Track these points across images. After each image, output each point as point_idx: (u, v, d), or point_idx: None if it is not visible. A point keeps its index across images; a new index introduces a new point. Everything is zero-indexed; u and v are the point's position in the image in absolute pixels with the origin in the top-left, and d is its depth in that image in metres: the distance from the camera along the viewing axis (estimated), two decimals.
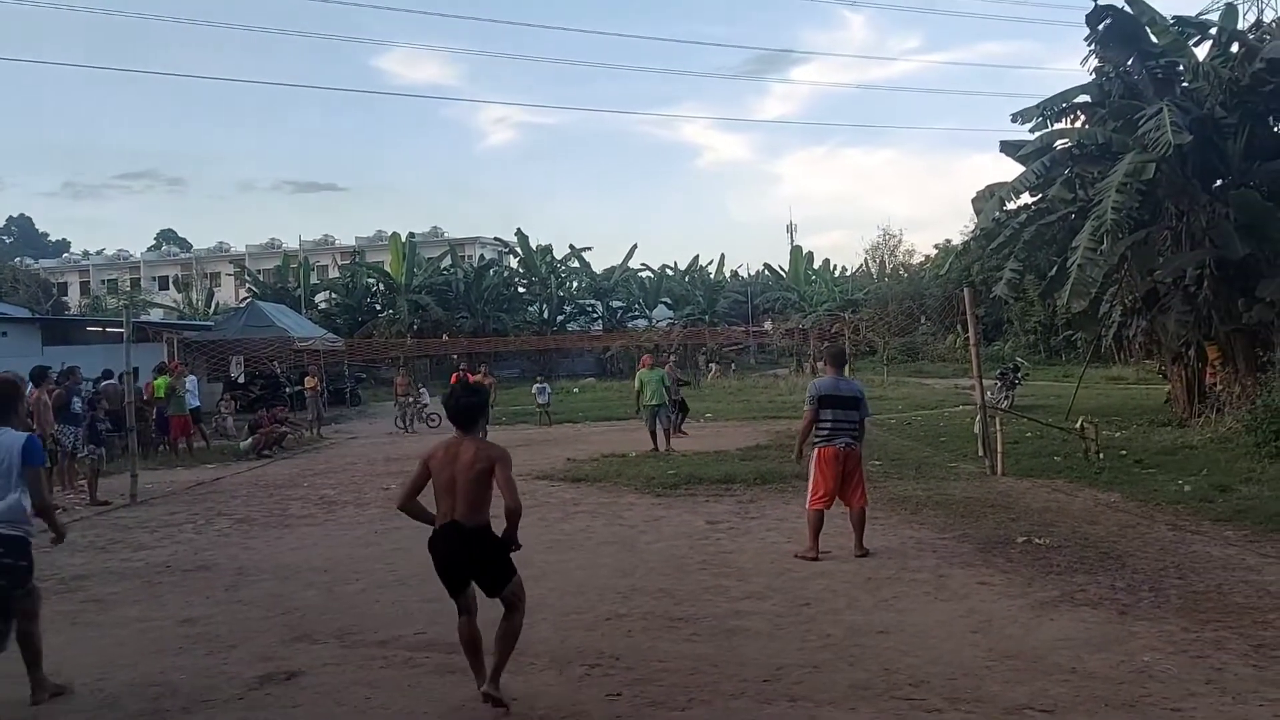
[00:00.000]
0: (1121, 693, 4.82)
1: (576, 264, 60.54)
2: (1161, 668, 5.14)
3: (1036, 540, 8.29)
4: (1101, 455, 12.71)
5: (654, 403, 16.58)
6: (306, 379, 25.30)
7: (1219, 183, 16.34)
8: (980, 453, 13.26)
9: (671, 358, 22.87)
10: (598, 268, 60.90)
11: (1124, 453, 13.34)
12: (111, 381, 16.35)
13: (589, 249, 60.16)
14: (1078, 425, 13.48)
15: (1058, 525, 8.98)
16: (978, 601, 6.54)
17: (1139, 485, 10.94)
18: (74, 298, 75.09)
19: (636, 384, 17.06)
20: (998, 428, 12.74)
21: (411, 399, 24.25)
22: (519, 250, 58.98)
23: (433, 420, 22.61)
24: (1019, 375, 23.69)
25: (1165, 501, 9.96)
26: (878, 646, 5.65)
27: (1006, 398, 21.48)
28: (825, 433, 8.08)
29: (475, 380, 18.61)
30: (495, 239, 64.26)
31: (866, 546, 8.06)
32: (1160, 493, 10.38)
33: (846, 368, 8.86)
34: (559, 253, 60.08)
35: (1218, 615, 6.04)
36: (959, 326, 36.62)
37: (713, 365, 46.21)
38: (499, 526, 4.96)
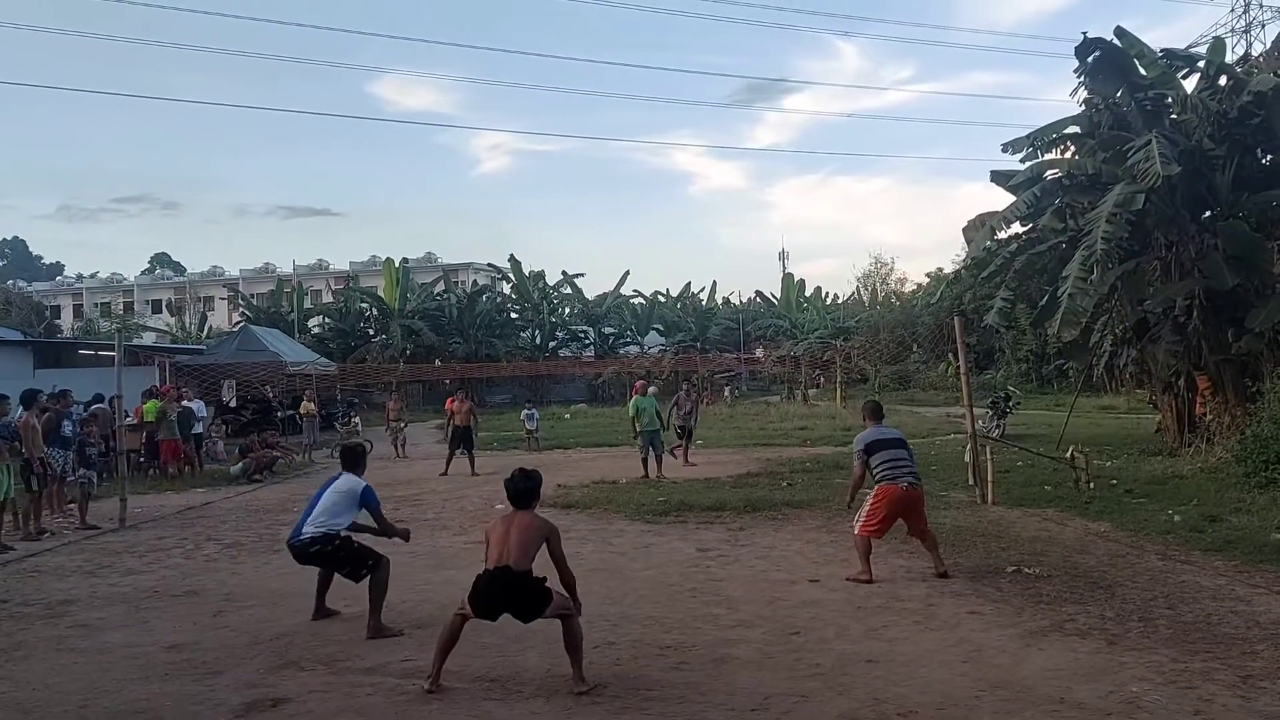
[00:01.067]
0: None
1: (569, 290, 60.66)
2: (1150, 698, 5.14)
3: (1026, 570, 8.30)
4: (1092, 485, 12.73)
5: (651, 429, 16.46)
6: (303, 404, 25.25)
7: (1208, 214, 16.48)
8: (971, 481, 13.26)
9: (684, 385, 22.64)
10: (590, 294, 61.06)
11: (1114, 482, 13.36)
12: (102, 405, 16.29)
13: (581, 275, 60.38)
14: (1068, 454, 13.51)
15: (1048, 555, 8.99)
16: (967, 631, 6.54)
17: (1129, 515, 10.95)
18: (67, 321, 75.10)
19: (632, 410, 16.88)
20: (988, 457, 12.75)
21: (403, 424, 24.19)
22: (512, 276, 59.12)
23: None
24: (1010, 404, 23.73)
25: (1155, 531, 9.97)
26: (867, 676, 5.64)
27: (998, 426, 21.52)
28: (887, 473, 8.32)
29: (454, 406, 19.30)
30: (488, 265, 64.51)
31: (943, 565, 8.28)
32: (1150, 523, 10.40)
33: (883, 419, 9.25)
34: (551, 279, 60.26)
35: (1206, 646, 6.05)
36: (950, 355, 36.72)
37: (725, 389, 46.57)
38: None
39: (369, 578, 7.09)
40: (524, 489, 5.90)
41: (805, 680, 5.61)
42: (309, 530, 7.18)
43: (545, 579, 5.57)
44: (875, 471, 8.38)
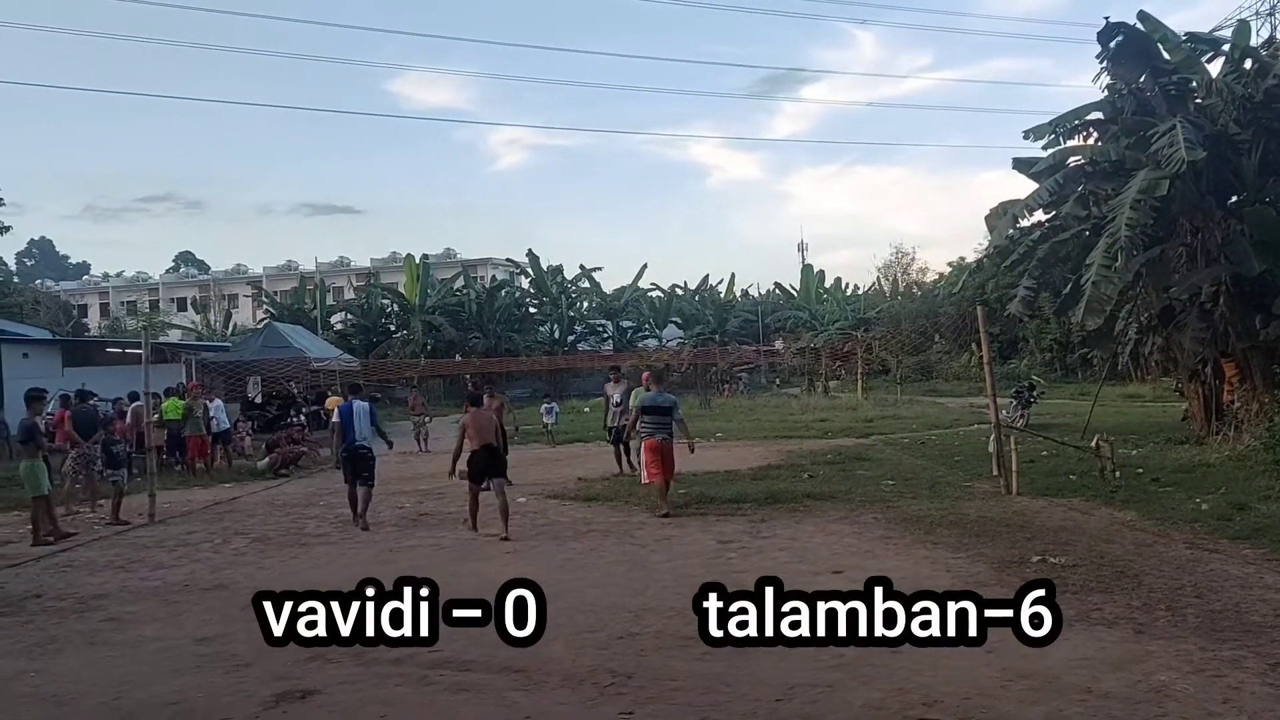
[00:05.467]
0: (1138, 712, 4.80)
1: (587, 284, 60.71)
2: (1178, 687, 5.11)
3: (1052, 559, 8.26)
4: (1118, 474, 12.64)
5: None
6: (329, 399, 25.48)
7: (1233, 199, 16.29)
8: (995, 472, 13.21)
9: (613, 372, 17.78)
10: (608, 288, 61.08)
11: (1140, 471, 13.26)
12: (139, 403, 16.48)
13: (599, 269, 60.40)
14: (1093, 443, 13.41)
15: (1073, 544, 8.94)
16: None
17: (1155, 504, 10.87)
18: (94, 319, 75.86)
19: (634, 402, 13.65)
20: (1012, 446, 12.68)
21: (427, 419, 24.33)
22: (530, 271, 59.23)
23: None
24: (1034, 394, 23.57)
25: (1182, 520, 9.90)
26: (891, 666, 5.63)
27: (1022, 416, 21.39)
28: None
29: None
30: (507, 260, 64.63)
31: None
32: (1177, 511, 10.32)
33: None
34: (570, 273, 60.30)
35: (1235, 634, 6.00)
36: (973, 345, 36.50)
37: (741, 378, 46.51)
38: None
39: (370, 485, 11.89)
40: (478, 395, 12.15)
41: (829, 670, 5.61)
42: (363, 442, 11.97)
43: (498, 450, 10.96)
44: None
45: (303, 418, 25.53)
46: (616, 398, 15.91)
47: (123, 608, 7.91)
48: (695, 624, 6.69)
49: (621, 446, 15.49)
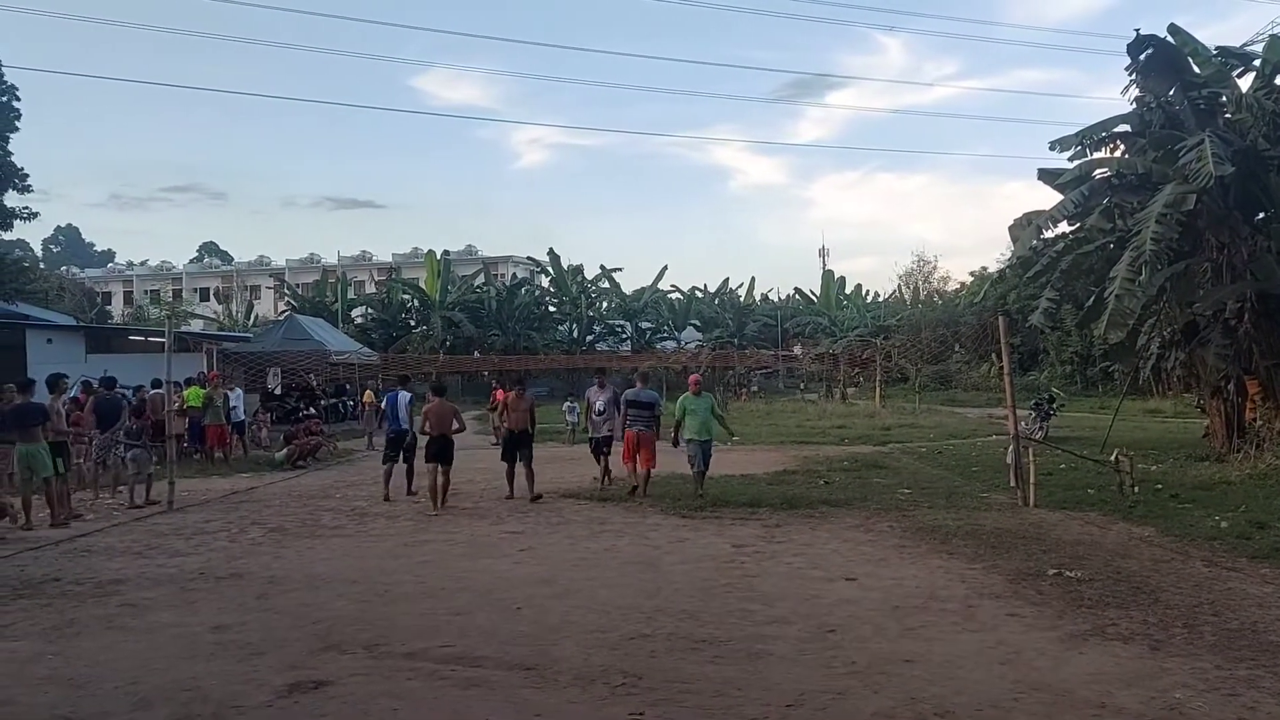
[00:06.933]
0: None
1: (607, 284, 60.81)
2: (1193, 705, 5.07)
3: (1068, 573, 8.20)
4: (1136, 489, 12.53)
5: (701, 438, 13.01)
6: (365, 393, 25.72)
7: (1261, 215, 16.14)
8: (1012, 483, 13.13)
9: (597, 378, 15.69)
10: (628, 288, 61.17)
11: (1159, 487, 13.15)
12: (159, 390, 16.64)
13: (619, 270, 60.59)
14: (1113, 458, 13.31)
15: (1090, 558, 8.87)
16: (1006, 633, 6.48)
17: (1174, 520, 10.77)
18: (118, 307, 76.69)
19: (678, 412, 13.22)
20: (1030, 458, 12.60)
21: None
22: (550, 270, 59.39)
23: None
24: (1054, 406, 23.40)
25: (1201, 537, 9.80)
26: (903, 675, 5.62)
27: (1040, 428, 21.24)
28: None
29: (508, 400, 17.57)
30: (528, 258, 64.82)
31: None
32: (1196, 528, 10.22)
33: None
34: (590, 273, 60.45)
35: (1252, 653, 5.94)
36: (993, 355, 36.30)
37: (754, 379, 46.55)
38: None
39: (410, 461, 13.92)
40: (441, 387, 14.25)
41: (841, 678, 5.60)
42: (405, 427, 14.20)
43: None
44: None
45: (312, 410, 25.65)
46: (600, 405, 14.22)
47: (140, 593, 7.99)
48: (708, 627, 6.73)
49: (604, 458, 14.19)
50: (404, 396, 14.39)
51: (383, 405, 15.26)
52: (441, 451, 12.74)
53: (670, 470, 14.08)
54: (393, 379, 41.96)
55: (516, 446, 13.62)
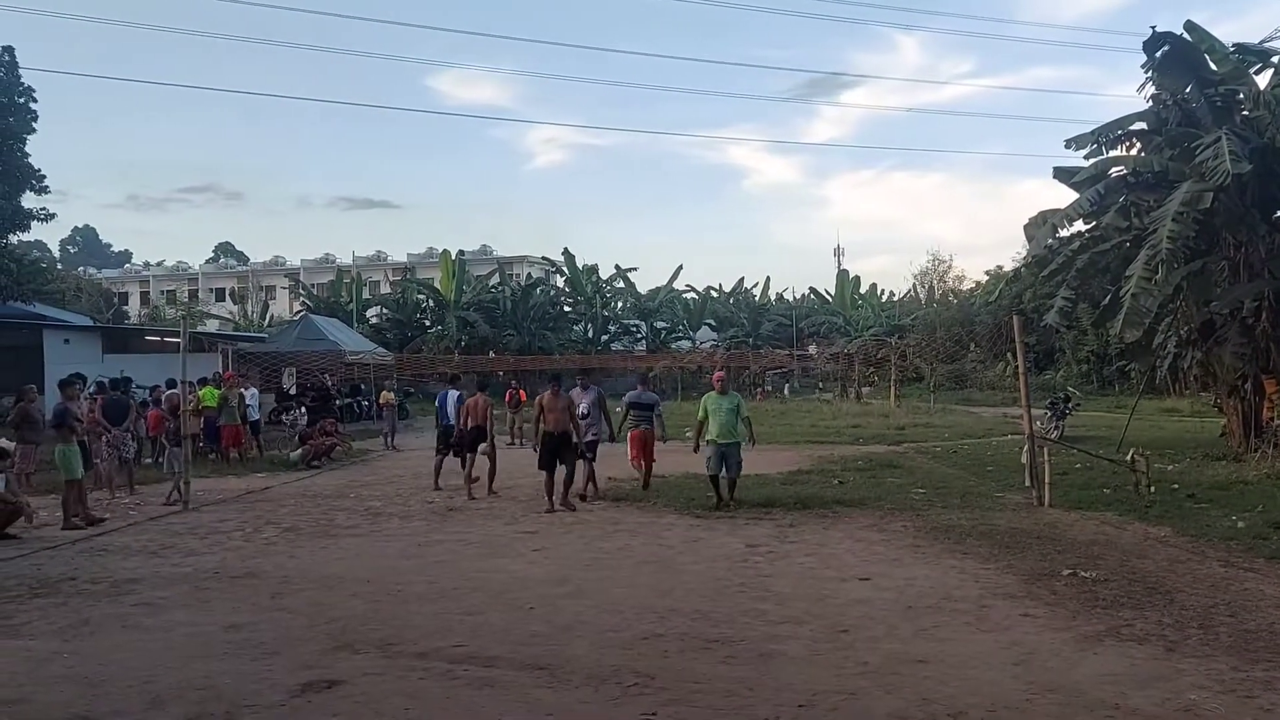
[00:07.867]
0: None
1: (622, 284, 60.84)
2: (1208, 706, 5.03)
3: (1083, 573, 8.15)
4: (1152, 489, 12.44)
5: (724, 440, 12.15)
6: (383, 393, 25.78)
7: (1279, 213, 16.00)
8: (1027, 483, 13.07)
9: (580, 379, 16.12)
10: (643, 288, 61.17)
11: (1176, 486, 13.05)
12: (175, 390, 16.75)
13: (634, 269, 60.56)
14: (1128, 457, 13.21)
15: (1105, 559, 8.81)
16: (1020, 634, 6.45)
17: (1191, 520, 10.69)
18: (134, 307, 77.17)
19: (701, 412, 12.55)
20: (1046, 458, 12.53)
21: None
22: (565, 270, 59.46)
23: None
24: (1070, 405, 23.26)
25: (1217, 537, 9.73)
26: (916, 675, 5.60)
27: (1056, 428, 21.13)
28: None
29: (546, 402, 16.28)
30: (543, 258, 64.90)
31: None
32: (1212, 528, 10.14)
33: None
34: (605, 272, 60.47)
35: (1269, 654, 5.89)
36: (1009, 354, 36.12)
37: (767, 384, 46.51)
38: None
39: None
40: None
41: (853, 678, 5.58)
42: (454, 423, 14.65)
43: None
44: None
45: (303, 411, 25.67)
46: (583, 408, 13.22)
47: (155, 592, 8.04)
48: (721, 627, 6.73)
49: (589, 464, 13.25)
50: (453, 394, 15.31)
51: (435, 403, 16.28)
52: (473, 442, 14.26)
53: (685, 470, 14.05)
54: (407, 379, 42.16)
55: (556, 451, 12.24)
